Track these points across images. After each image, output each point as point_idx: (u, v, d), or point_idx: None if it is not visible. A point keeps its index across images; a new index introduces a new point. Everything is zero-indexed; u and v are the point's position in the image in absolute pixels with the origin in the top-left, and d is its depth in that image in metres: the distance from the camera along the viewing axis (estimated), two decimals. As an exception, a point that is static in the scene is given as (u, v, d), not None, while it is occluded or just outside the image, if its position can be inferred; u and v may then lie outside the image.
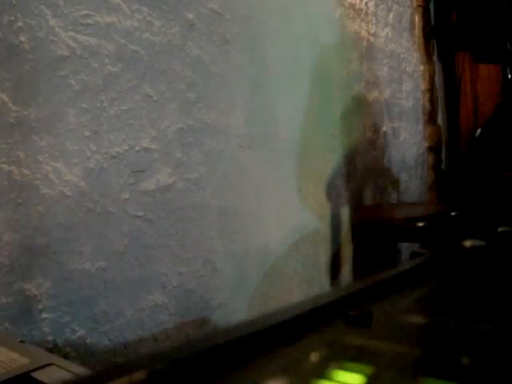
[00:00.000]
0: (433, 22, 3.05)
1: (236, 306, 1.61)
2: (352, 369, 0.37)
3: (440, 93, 3.16)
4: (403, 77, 2.80)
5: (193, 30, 1.52)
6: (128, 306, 1.31)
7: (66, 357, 1.10)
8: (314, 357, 0.39)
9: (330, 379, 0.36)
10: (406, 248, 2.41)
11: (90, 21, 1.25)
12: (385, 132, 2.58)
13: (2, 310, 1.06)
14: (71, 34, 1.21)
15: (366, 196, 2.43)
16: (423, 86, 3.02)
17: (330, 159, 2.15)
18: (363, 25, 2.42)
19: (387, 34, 2.64)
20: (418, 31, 2.98)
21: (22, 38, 1.12)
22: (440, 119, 3.15)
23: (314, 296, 0.51)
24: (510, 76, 2.04)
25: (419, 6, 2.99)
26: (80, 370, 0.66)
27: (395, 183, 2.68)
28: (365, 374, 0.36)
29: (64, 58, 1.19)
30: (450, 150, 3.17)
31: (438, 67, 3.14)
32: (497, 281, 0.58)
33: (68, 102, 1.20)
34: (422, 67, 3.02)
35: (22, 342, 0.81)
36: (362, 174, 2.38)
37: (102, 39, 1.27)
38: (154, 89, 1.40)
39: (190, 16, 1.51)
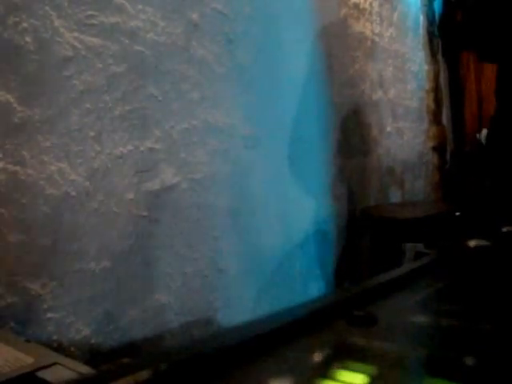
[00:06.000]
0: (437, 22, 3.05)
1: (240, 306, 1.61)
2: (356, 369, 0.37)
3: (445, 93, 3.15)
4: (408, 77, 2.79)
5: (197, 30, 1.52)
6: (132, 306, 1.31)
7: (70, 356, 1.10)
8: (317, 357, 0.39)
9: (334, 379, 0.36)
10: (410, 248, 2.40)
11: (94, 21, 1.25)
12: (389, 132, 2.58)
13: (8, 310, 1.07)
14: (76, 34, 1.21)
15: (371, 196, 2.42)
16: (428, 85, 3.02)
17: (334, 159, 2.15)
18: (367, 24, 2.41)
19: (392, 33, 2.63)
20: (422, 31, 2.98)
21: (27, 39, 1.12)
22: (444, 119, 3.14)
23: (318, 296, 0.51)
24: None
25: (424, 5, 2.99)
26: (85, 370, 0.67)
27: (400, 183, 2.68)
28: (369, 374, 0.36)
29: (68, 59, 1.20)
30: (454, 150, 3.17)
31: (442, 67, 3.13)
32: (501, 281, 0.58)
33: (72, 102, 1.20)
34: (426, 67, 3.01)
35: (27, 341, 0.81)
36: (366, 174, 2.38)
37: (106, 40, 1.27)
38: (159, 89, 1.40)
39: (194, 16, 1.51)
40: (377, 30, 2.49)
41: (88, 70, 1.24)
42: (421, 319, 0.48)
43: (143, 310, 1.34)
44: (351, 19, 2.29)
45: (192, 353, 0.37)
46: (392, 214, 2.14)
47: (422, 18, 2.97)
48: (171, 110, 1.44)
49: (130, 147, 1.32)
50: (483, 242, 0.71)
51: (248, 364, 0.37)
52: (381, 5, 2.53)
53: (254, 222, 1.69)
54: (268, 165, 1.76)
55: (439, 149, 3.08)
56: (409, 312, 0.50)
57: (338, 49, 2.20)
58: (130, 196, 1.32)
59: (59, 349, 1.13)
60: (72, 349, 1.17)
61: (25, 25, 1.12)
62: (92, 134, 1.24)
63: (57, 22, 1.17)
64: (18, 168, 1.10)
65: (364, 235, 2.17)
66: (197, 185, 1.50)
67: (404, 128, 2.71)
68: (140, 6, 1.36)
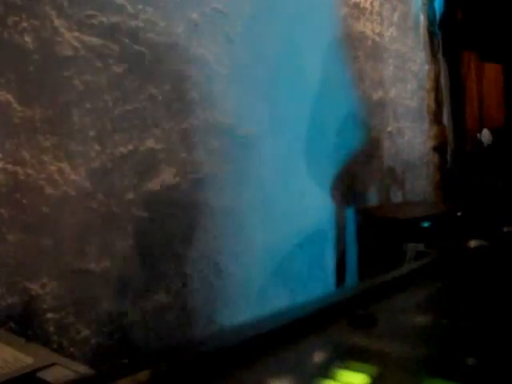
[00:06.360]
0: (438, 21, 3.05)
1: (240, 307, 1.61)
2: (357, 369, 0.37)
3: (445, 92, 3.15)
4: (408, 76, 2.79)
5: (197, 30, 1.52)
6: (132, 306, 1.31)
7: (70, 356, 1.10)
8: (319, 357, 0.39)
9: (335, 379, 0.36)
10: (411, 248, 2.40)
11: (94, 21, 1.25)
12: (390, 132, 2.57)
13: (7, 310, 1.07)
14: (76, 34, 1.21)
15: (372, 196, 2.42)
16: (428, 85, 3.01)
17: (334, 159, 2.15)
18: (368, 24, 2.41)
19: (392, 33, 2.63)
20: (423, 30, 2.97)
21: (27, 39, 1.12)
22: (445, 119, 3.14)
23: (319, 297, 0.51)
24: None
25: (424, 4, 2.98)
26: (84, 370, 0.66)
27: (400, 183, 2.67)
28: (369, 374, 0.36)
29: (68, 59, 1.19)
30: (455, 150, 3.16)
31: (443, 66, 3.12)
32: (502, 281, 0.58)
33: (73, 102, 1.20)
34: (427, 66, 3.00)
35: (26, 341, 0.81)
36: (367, 174, 2.38)
37: (106, 40, 1.27)
38: (159, 89, 1.40)
39: (195, 16, 1.51)
40: (377, 30, 2.49)
41: (88, 69, 1.24)
42: (421, 319, 0.48)
43: (143, 310, 1.33)
44: (351, 19, 2.29)
45: (192, 353, 0.37)
46: (393, 213, 2.13)
47: (422, 17, 2.97)
48: (171, 110, 1.43)
49: (130, 147, 1.32)
50: (484, 243, 0.71)
51: (248, 364, 0.37)
52: (381, 4, 2.53)
53: (253, 221, 1.69)
54: (268, 165, 1.76)
55: (440, 148, 3.08)
56: (409, 312, 0.50)
57: (338, 48, 2.20)
58: (130, 196, 1.32)
59: (59, 349, 1.13)
60: (72, 349, 1.17)
61: (24, 24, 1.12)
62: (92, 133, 1.24)
63: (57, 22, 1.17)
64: (17, 168, 1.10)
65: (364, 235, 2.17)
66: (197, 185, 1.50)
67: (405, 128, 2.71)
68: (140, 6, 1.36)
